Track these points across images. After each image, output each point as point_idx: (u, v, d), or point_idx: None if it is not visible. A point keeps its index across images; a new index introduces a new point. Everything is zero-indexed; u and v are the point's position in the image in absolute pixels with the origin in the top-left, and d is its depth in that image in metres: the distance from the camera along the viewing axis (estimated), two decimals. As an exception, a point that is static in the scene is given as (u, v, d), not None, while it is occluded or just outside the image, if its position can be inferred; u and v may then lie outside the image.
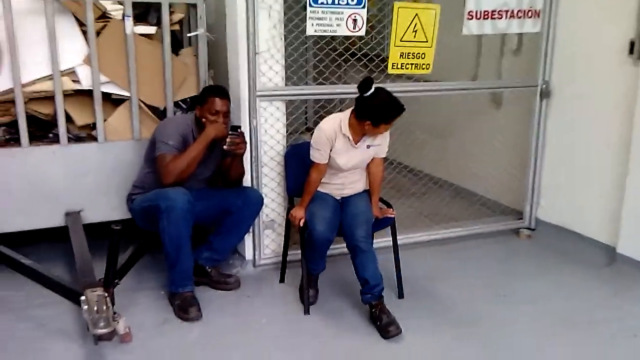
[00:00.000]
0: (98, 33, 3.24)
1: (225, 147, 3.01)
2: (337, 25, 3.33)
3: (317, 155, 2.97)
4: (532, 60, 4.01)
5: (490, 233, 4.10)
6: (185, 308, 2.93)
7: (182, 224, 2.87)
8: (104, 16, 3.37)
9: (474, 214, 4.34)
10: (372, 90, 2.81)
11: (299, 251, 3.12)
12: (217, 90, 3.10)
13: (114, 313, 2.53)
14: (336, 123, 2.95)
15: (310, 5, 3.23)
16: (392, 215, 3.17)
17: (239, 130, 3.03)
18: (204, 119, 3.05)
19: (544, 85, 3.96)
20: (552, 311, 3.09)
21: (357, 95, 2.87)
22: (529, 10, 3.80)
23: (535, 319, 3.02)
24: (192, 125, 3.11)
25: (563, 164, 3.98)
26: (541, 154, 4.08)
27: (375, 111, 2.81)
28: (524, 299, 3.23)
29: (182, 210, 2.85)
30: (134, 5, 3.30)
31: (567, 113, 3.91)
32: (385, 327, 2.82)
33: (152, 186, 3.07)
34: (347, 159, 2.99)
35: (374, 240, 3.23)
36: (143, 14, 3.51)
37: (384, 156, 3.14)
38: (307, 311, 3.03)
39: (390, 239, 3.22)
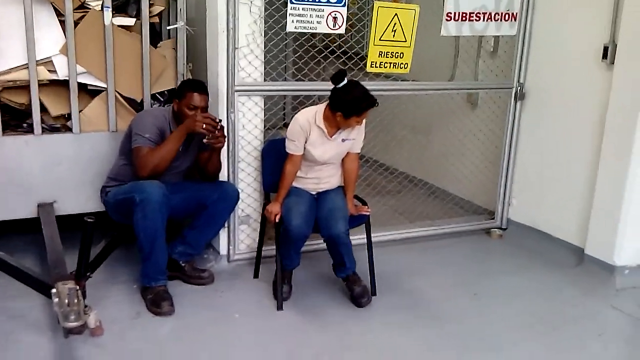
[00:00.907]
0: (76, 23, 3.21)
1: (205, 140, 3.00)
2: (318, 22, 3.34)
3: (292, 147, 2.99)
4: (508, 62, 4.07)
5: (463, 232, 4.16)
6: (157, 302, 2.92)
7: (157, 217, 2.86)
8: (82, 6, 3.32)
9: (448, 213, 4.39)
10: (345, 82, 2.84)
11: (274, 247, 3.13)
12: (196, 85, 3.09)
13: (85, 306, 2.50)
14: (311, 115, 2.98)
15: (291, 2, 3.23)
16: (367, 213, 3.20)
17: (218, 123, 3.02)
18: (181, 113, 3.04)
19: (519, 87, 4.03)
20: (522, 309, 3.16)
21: (327, 92, 2.90)
22: (506, 13, 3.85)
23: (506, 316, 3.08)
24: (169, 119, 3.10)
25: (535, 165, 4.05)
26: (514, 155, 4.15)
27: (346, 103, 2.85)
28: (495, 297, 3.29)
29: (157, 204, 2.84)
30: (113, -4, 3.27)
31: (540, 115, 3.98)
32: (357, 296, 3.07)
33: (127, 178, 3.05)
34: (322, 151, 3.02)
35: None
36: (122, 5, 3.47)
37: (358, 151, 3.17)
38: (280, 307, 3.04)
39: (365, 236, 3.25)
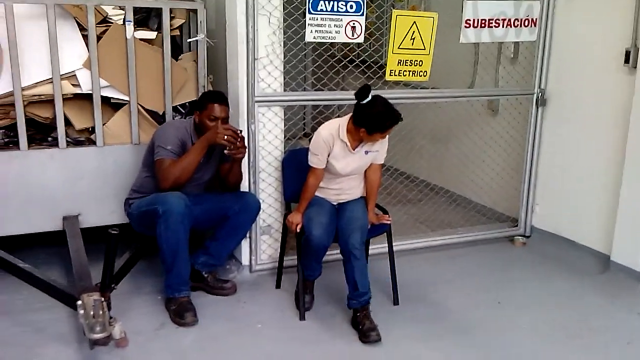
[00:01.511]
0: (99, 37, 3.26)
1: (226, 151, 3.01)
2: (336, 32, 3.36)
3: (315, 160, 2.99)
4: (529, 68, 4.04)
5: (486, 240, 4.12)
6: (181, 313, 2.94)
7: (179, 228, 2.88)
8: (105, 21, 3.39)
9: (470, 221, 4.36)
10: (369, 98, 2.82)
11: (296, 257, 3.14)
12: (216, 96, 3.11)
13: (110, 318, 2.54)
14: (334, 128, 2.97)
15: (310, 12, 3.25)
16: (388, 222, 3.19)
17: (239, 134, 3.03)
18: (202, 125, 3.06)
19: (540, 93, 4.00)
20: (547, 318, 3.11)
21: (348, 101, 2.89)
22: (526, 19, 3.83)
23: (531, 326, 3.04)
24: (190, 130, 3.12)
25: (558, 172, 4.00)
26: (536, 162, 4.11)
27: (370, 119, 2.83)
28: (519, 306, 3.25)
29: (179, 215, 2.86)
30: (135, 10, 3.33)
31: (562, 121, 3.94)
32: (366, 331, 2.85)
33: (151, 191, 3.09)
34: (345, 164, 3.01)
35: (370, 247, 3.25)
36: (144, 19, 3.54)
37: (382, 162, 3.16)
38: (302, 317, 3.04)
39: (386, 245, 3.24)
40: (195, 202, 3.01)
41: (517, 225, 4.23)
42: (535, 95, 4.01)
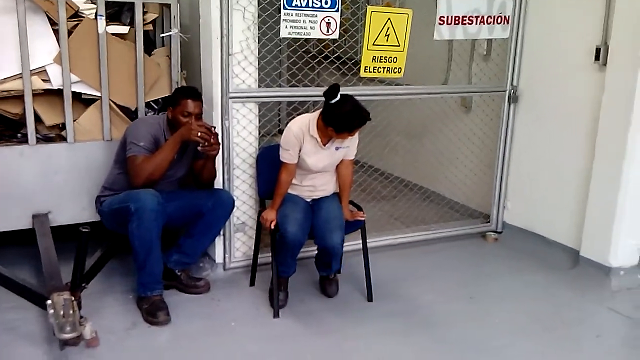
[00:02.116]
0: (70, 32, 3.21)
1: (199, 147, 2.99)
2: (311, 28, 3.35)
3: (286, 156, 2.99)
4: (501, 65, 4.09)
5: (459, 236, 4.17)
6: (153, 312, 2.92)
7: (152, 226, 2.84)
8: (76, 15, 3.33)
9: (443, 217, 4.40)
10: (338, 98, 2.83)
11: (270, 254, 3.13)
12: (190, 92, 3.08)
13: (81, 317, 2.51)
14: (304, 124, 2.98)
15: (285, 8, 3.24)
16: (363, 218, 3.20)
17: (213, 130, 3.00)
18: (176, 121, 3.03)
19: (512, 90, 4.04)
20: (520, 312, 3.16)
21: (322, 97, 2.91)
22: (499, 16, 3.87)
23: (504, 319, 3.08)
24: (163, 127, 3.09)
25: (529, 168, 4.06)
26: (508, 158, 4.16)
27: (338, 119, 2.85)
28: (492, 301, 3.30)
29: (152, 212, 2.83)
30: (107, 4, 3.27)
31: (534, 118, 3.99)
32: (330, 292, 3.24)
33: (123, 188, 3.04)
34: (316, 160, 3.02)
35: (344, 243, 3.25)
36: (116, 13, 3.48)
37: (352, 158, 3.17)
38: (276, 314, 3.04)
39: (360, 241, 3.25)
40: (168, 199, 2.98)
41: (489, 222, 4.28)
42: (507, 92, 4.05)
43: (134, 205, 2.83)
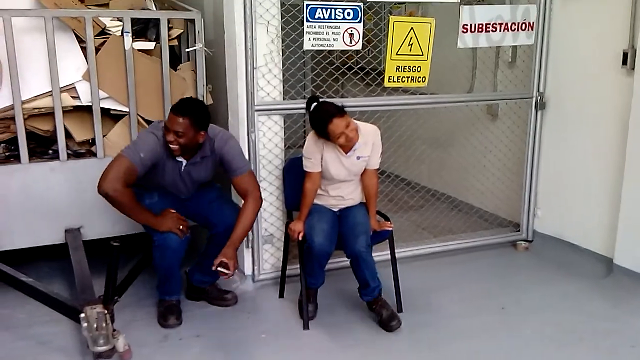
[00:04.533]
0: (97, 49, 3.27)
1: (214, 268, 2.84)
2: (334, 39, 3.36)
3: (309, 164, 3.01)
4: (527, 72, 4.04)
5: (488, 245, 4.11)
6: (165, 315, 3.00)
7: (173, 262, 2.93)
8: (103, 32, 3.39)
9: (472, 227, 4.35)
10: (312, 107, 2.93)
11: (298, 265, 3.13)
12: (177, 105, 2.82)
13: (114, 330, 2.54)
14: None
15: (308, 20, 3.26)
16: (390, 228, 3.19)
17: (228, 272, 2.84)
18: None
19: (539, 97, 4.00)
20: (551, 323, 3.10)
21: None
22: (523, 23, 3.84)
23: (536, 331, 3.03)
24: (165, 145, 2.85)
25: (559, 175, 4.00)
26: (537, 165, 4.10)
27: (316, 127, 2.95)
28: (523, 311, 3.24)
29: (173, 251, 2.88)
30: (133, 21, 3.33)
31: (562, 124, 3.94)
32: (386, 321, 2.98)
33: (147, 183, 2.96)
34: (338, 168, 3.03)
35: (372, 254, 3.24)
36: (142, 29, 3.54)
37: (376, 167, 3.16)
38: (306, 326, 3.03)
39: (388, 252, 3.23)
40: (183, 206, 2.99)
41: (519, 230, 4.22)
42: (534, 98, 4.01)
43: (157, 239, 2.86)
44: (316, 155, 2.99)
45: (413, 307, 3.22)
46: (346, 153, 3.00)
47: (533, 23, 3.86)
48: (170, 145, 2.77)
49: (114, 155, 3.29)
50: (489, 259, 3.95)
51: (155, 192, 2.99)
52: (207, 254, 3.12)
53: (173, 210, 2.90)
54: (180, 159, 2.90)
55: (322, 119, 2.89)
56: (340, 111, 2.88)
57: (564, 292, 3.46)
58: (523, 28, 3.85)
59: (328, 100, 3.02)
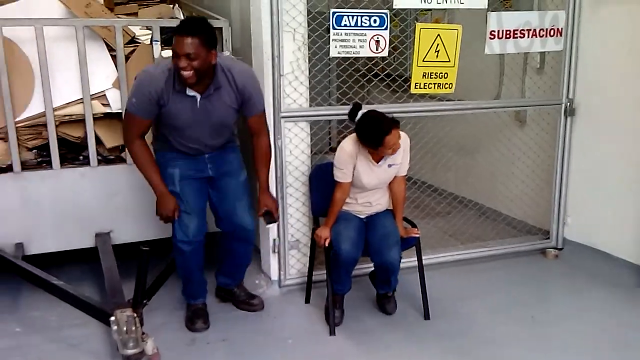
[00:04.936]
0: (127, 57, 3.32)
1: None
2: (361, 46, 3.37)
3: (340, 175, 2.99)
4: (556, 78, 4.00)
5: (517, 253, 4.05)
6: (192, 319, 3.03)
7: (191, 266, 2.96)
8: (132, 41, 3.45)
9: (500, 234, 4.30)
10: (359, 116, 2.88)
11: (325, 271, 3.13)
12: (182, 26, 2.54)
13: (143, 333, 2.57)
14: (356, 143, 2.97)
15: (334, 28, 3.27)
16: (417, 235, 3.17)
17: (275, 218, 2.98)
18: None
19: (568, 103, 3.95)
20: (583, 333, 3.04)
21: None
22: (551, 29, 3.80)
23: (566, 341, 2.97)
24: (172, 76, 2.63)
25: (589, 182, 3.94)
26: (566, 172, 4.05)
27: (365, 136, 2.87)
28: (554, 321, 3.18)
29: (191, 254, 2.90)
30: (162, 29, 3.38)
31: (592, 130, 3.88)
32: (389, 310, 3.21)
33: (161, 146, 2.92)
34: (370, 177, 3.01)
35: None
36: (170, 38, 3.57)
37: (405, 174, 3.15)
38: (332, 332, 3.02)
39: (415, 258, 3.21)
40: (202, 183, 2.91)
41: (548, 238, 4.15)
42: (563, 105, 3.96)
43: (175, 237, 2.87)
44: (349, 165, 2.97)
45: (441, 315, 3.19)
46: (377, 162, 2.99)
47: (562, 29, 3.82)
48: (184, 74, 2.52)
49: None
50: (517, 267, 3.90)
51: (178, 161, 2.86)
52: (221, 259, 3.18)
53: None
54: (192, 92, 2.66)
55: (379, 130, 2.82)
56: (395, 122, 2.86)
57: (595, 301, 3.40)
58: (552, 34, 3.81)
59: (372, 108, 2.97)
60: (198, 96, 2.69)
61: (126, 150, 3.35)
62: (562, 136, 4.00)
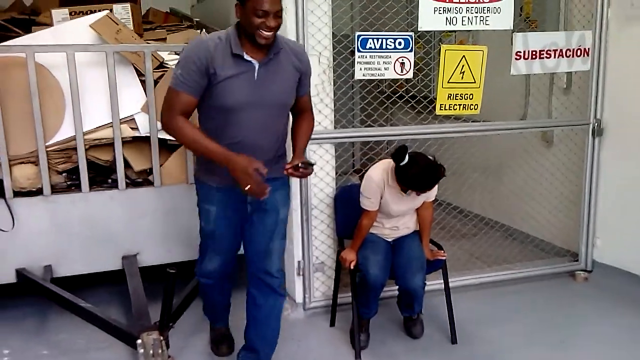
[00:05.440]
0: (156, 82, 3.37)
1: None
2: (385, 68, 3.38)
3: (368, 203, 2.97)
4: (583, 98, 3.96)
5: (545, 275, 3.98)
6: (217, 343, 3.03)
7: (215, 291, 2.89)
8: (161, 66, 3.52)
9: (527, 256, 4.23)
10: (406, 160, 2.78)
11: (349, 294, 3.11)
12: None
13: (169, 356, 2.58)
14: (384, 173, 2.94)
15: (359, 51, 3.29)
16: (443, 257, 3.13)
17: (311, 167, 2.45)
18: (248, 23, 2.23)
19: (596, 123, 3.89)
20: (614, 358, 2.97)
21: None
22: (578, 49, 3.77)
23: (596, 366, 2.91)
24: (226, 39, 2.30)
25: (619, 203, 3.86)
26: (595, 193, 3.98)
27: (408, 182, 2.81)
28: (584, 345, 3.12)
29: (214, 286, 2.84)
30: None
31: (621, 150, 3.82)
32: (416, 334, 3.18)
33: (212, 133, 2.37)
34: (398, 205, 2.99)
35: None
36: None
37: (432, 199, 3.13)
38: (358, 356, 3.00)
39: (442, 281, 3.18)
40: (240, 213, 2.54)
41: (577, 260, 4.08)
42: (591, 125, 3.91)
43: (199, 275, 2.81)
44: (377, 195, 2.94)
45: (468, 339, 3.14)
46: (406, 192, 2.93)
47: (589, 49, 3.79)
48: (267, 34, 2.22)
49: (171, 184, 3.43)
50: (546, 290, 3.83)
51: (217, 196, 2.52)
52: (245, 327, 2.73)
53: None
54: (248, 57, 2.31)
55: (416, 182, 2.79)
56: (442, 173, 2.81)
57: (627, 325, 3.31)
58: (578, 54, 3.78)
59: (419, 152, 2.91)
60: (256, 64, 2.32)
61: (154, 173, 3.40)
62: (590, 156, 3.94)
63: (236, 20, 2.33)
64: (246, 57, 2.30)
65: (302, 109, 2.60)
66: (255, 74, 2.32)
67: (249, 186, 2.23)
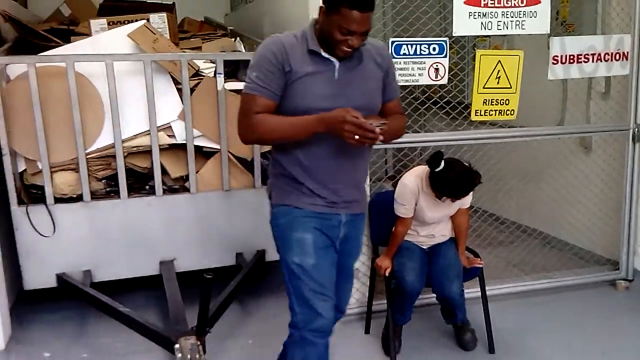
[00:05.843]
0: (192, 90, 3.42)
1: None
2: (419, 74, 3.37)
3: (403, 210, 2.95)
4: (623, 102, 3.87)
5: (585, 284, 3.89)
6: None
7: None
8: (197, 74, 3.56)
9: (566, 264, 4.14)
10: (442, 166, 2.75)
11: (384, 301, 3.09)
12: None
13: (206, 361, 2.59)
14: (419, 179, 2.92)
15: (393, 57, 3.28)
16: (480, 265, 3.10)
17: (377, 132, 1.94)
18: (328, 34, 2.00)
19: (636, 129, 3.80)
20: (658, 370, 2.89)
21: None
22: (617, 53, 3.69)
23: (640, 378, 2.83)
24: (301, 39, 2.07)
25: (661, 211, 3.76)
26: (636, 200, 3.87)
27: (443, 188, 2.79)
28: (625, 357, 3.04)
29: (324, 348, 2.18)
30: (225, 63, 3.47)
31: (663, 157, 3.72)
32: (465, 343, 3.11)
33: (282, 166, 2.18)
34: (433, 212, 2.97)
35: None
36: (233, 70, 3.69)
37: (468, 205, 3.09)
38: (393, 362, 2.98)
39: (479, 289, 3.14)
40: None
41: (618, 269, 3.97)
42: (631, 130, 3.81)
43: (308, 330, 2.12)
44: (411, 202, 2.92)
45: (506, 349, 3.09)
46: (440, 198, 2.90)
47: (628, 53, 3.71)
48: (347, 50, 2.02)
49: (206, 191, 3.46)
50: (586, 299, 3.74)
51: (311, 221, 2.15)
52: None
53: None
54: (326, 54, 2.06)
55: (451, 189, 2.77)
56: (478, 181, 2.78)
57: (672, 336, 3.22)
58: (617, 58, 3.71)
59: (455, 158, 2.87)
60: (336, 62, 2.08)
61: (190, 180, 3.44)
62: (630, 163, 3.85)
63: (313, 21, 2.10)
64: (324, 54, 2.06)
65: (395, 113, 2.28)
66: (336, 73, 2.07)
67: (356, 137, 1.92)
